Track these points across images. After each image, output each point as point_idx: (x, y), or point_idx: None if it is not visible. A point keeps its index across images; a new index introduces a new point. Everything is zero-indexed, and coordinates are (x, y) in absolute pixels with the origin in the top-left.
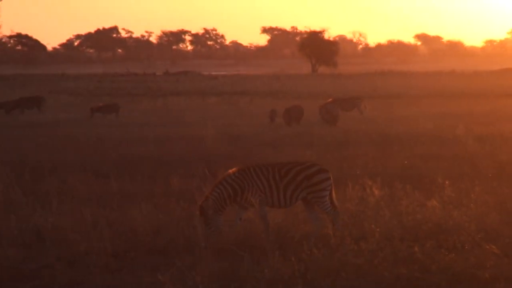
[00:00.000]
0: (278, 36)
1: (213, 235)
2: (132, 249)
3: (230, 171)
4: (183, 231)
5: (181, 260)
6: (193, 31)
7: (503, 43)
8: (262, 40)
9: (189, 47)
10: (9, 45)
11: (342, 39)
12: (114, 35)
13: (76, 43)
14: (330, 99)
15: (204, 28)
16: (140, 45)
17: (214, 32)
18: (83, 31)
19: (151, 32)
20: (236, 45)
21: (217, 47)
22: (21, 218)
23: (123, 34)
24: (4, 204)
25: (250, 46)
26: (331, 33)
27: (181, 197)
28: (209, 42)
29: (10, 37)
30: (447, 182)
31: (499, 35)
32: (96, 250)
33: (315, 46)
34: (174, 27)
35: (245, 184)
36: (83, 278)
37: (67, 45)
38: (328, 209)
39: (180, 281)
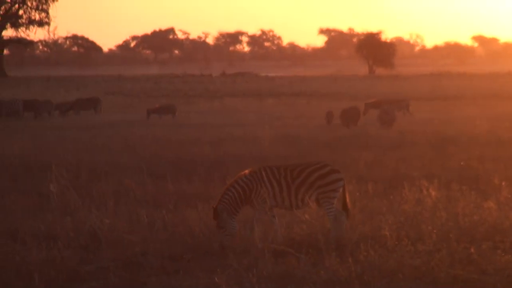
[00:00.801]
0: (335, 37)
1: (227, 238)
2: (189, 250)
3: (242, 173)
4: (240, 233)
5: (238, 262)
6: (250, 33)
7: None
8: (319, 41)
9: (246, 49)
10: (65, 46)
11: (399, 40)
12: (171, 37)
13: (132, 45)
14: (373, 100)
15: (261, 30)
16: (197, 46)
17: (271, 33)
18: (139, 33)
19: (208, 33)
20: (293, 46)
21: (274, 48)
22: (77, 220)
23: (180, 35)
24: (60, 206)
25: (307, 48)
26: (388, 35)
27: None
28: (266, 44)
29: (66, 38)
30: (503, 184)
31: None
32: (152, 251)
33: (372, 48)
34: (231, 28)
35: (257, 185)
36: (139, 280)
37: (124, 47)
38: (332, 212)
39: (236, 283)
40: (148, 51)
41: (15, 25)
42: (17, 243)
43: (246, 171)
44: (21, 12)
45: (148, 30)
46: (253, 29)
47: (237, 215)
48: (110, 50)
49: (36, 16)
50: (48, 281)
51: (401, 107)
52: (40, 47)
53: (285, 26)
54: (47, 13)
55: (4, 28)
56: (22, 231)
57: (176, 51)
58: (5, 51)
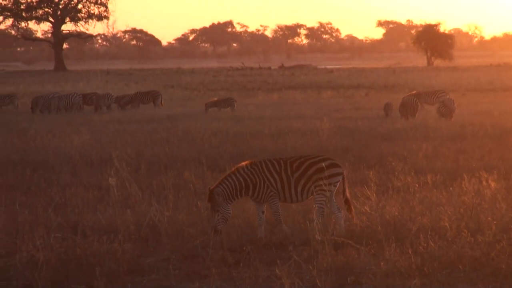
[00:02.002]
0: (393, 29)
1: (219, 222)
2: (249, 242)
3: (242, 163)
4: (300, 225)
5: (298, 254)
6: (308, 25)
7: None
8: (378, 33)
9: (304, 41)
10: (124, 40)
11: (458, 32)
12: (229, 30)
13: (191, 38)
14: (414, 92)
15: (319, 22)
16: (255, 39)
17: (329, 26)
18: (198, 26)
19: (266, 26)
20: (351, 38)
21: (332, 40)
22: (137, 213)
23: (238, 28)
24: (121, 199)
25: (365, 40)
26: (446, 26)
27: None
28: (324, 36)
29: (125, 32)
30: None
31: None
32: (212, 244)
33: (430, 39)
34: (289, 21)
35: (257, 178)
36: (199, 272)
37: (182, 40)
38: (322, 206)
39: (297, 274)
40: (206, 44)
41: (75, 19)
42: (78, 236)
43: (246, 162)
44: (80, 6)
45: (207, 23)
46: (311, 22)
47: (231, 203)
48: (169, 43)
49: (95, 10)
50: (109, 273)
51: (439, 98)
52: (99, 41)
53: (343, 19)
54: (106, 7)
55: (63, 22)
56: (82, 224)
57: (235, 44)
58: (65, 45)
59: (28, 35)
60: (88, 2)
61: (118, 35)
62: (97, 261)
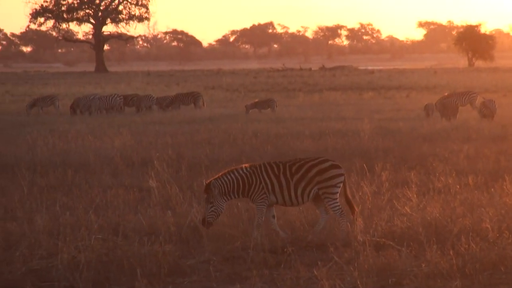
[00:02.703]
0: (434, 30)
1: (211, 215)
2: (289, 244)
3: (242, 165)
4: (340, 226)
5: (339, 255)
6: (349, 26)
7: None
8: (418, 34)
9: (345, 42)
10: (165, 41)
11: (499, 32)
12: (270, 31)
13: (232, 39)
14: (446, 93)
15: (360, 23)
16: (296, 40)
17: (370, 26)
18: (239, 27)
19: (307, 27)
20: (392, 39)
21: (373, 41)
22: (178, 214)
23: (279, 29)
24: (161, 200)
25: (406, 41)
26: (487, 27)
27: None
28: (365, 37)
29: (166, 33)
30: None
31: None
32: (253, 245)
33: (471, 40)
34: (330, 22)
35: (256, 180)
36: (240, 274)
37: (223, 41)
38: (337, 208)
39: (337, 276)
40: (247, 46)
41: (115, 21)
42: (119, 237)
43: (246, 165)
44: (121, 7)
45: (247, 25)
46: (352, 23)
47: (227, 199)
48: (210, 44)
49: (136, 11)
50: (150, 275)
51: (471, 99)
52: (140, 42)
53: (384, 20)
54: (147, 8)
55: (104, 23)
56: (123, 226)
57: (275, 45)
58: (106, 47)
59: (69, 37)
60: (129, 4)
61: (159, 36)
62: (138, 262)
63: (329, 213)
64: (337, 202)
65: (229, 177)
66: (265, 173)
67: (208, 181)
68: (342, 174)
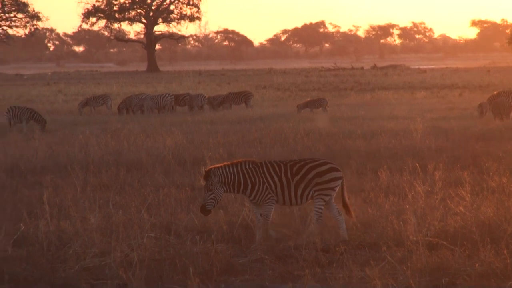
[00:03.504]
0: (487, 29)
1: (210, 202)
2: (342, 243)
3: (242, 159)
4: (393, 225)
5: (391, 255)
6: (401, 25)
7: None
8: (471, 33)
9: (397, 41)
10: (216, 40)
11: None
12: (321, 30)
13: (283, 38)
14: (496, 92)
15: (413, 22)
16: (347, 39)
17: (422, 25)
18: (290, 26)
19: (358, 26)
20: (444, 38)
21: (426, 40)
22: (230, 213)
23: (330, 28)
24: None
25: (459, 40)
26: None
27: (390, 192)
28: (417, 36)
29: (217, 33)
30: None
31: None
32: (305, 244)
33: None
34: (381, 21)
35: (256, 178)
36: (292, 273)
37: (274, 40)
38: (320, 212)
39: (390, 275)
40: (298, 45)
41: (167, 20)
42: (171, 236)
43: (247, 159)
44: (172, 7)
45: (299, 24)
46: (404, 22)
47: (225, 191)
48: (261, 44)
49: (187, 11)
50: (202, 273)
51: None
52: (192, 41)
53: (436, 18)
54: (198, 8)
55: (156, 23)
56: (176, 224)
57: (327, 45)
58: (157, 46)
59: (121, 36)
60: (180, 3)
61: (210, 36)
62: (190, 261)
63: (341, 213)
64: (322, 208)
65: (231, 169)
66: (267, 172)
67: (208, 168)
68: (340, 178)
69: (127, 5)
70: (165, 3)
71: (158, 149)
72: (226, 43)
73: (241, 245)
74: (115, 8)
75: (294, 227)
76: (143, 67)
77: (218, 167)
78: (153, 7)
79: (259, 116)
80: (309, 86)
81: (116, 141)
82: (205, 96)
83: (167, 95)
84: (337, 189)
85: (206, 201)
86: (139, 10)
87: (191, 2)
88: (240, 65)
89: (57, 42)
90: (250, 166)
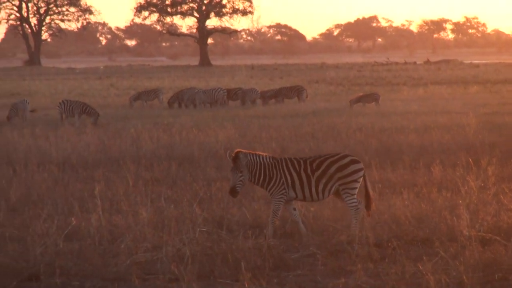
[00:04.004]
0: None
1: (239, 184)
2: (395, 238)
3: (263, 153)
4: (446, 221)
5: (444, 250)
6: (454, 20)
7: None
8: None
9: (450, 36)
10: (268, 35)
11: None
12: (374, 24)
13: (335, 33)
14: None
15: (465, 17)
16: (400, 34)
17: (475, 20)
18: (342, 21)
19: (411, 21)
20: (498, 33)
21: (479, 35)
22: (282, 208)
23: (383, 23)
24: (266, 194)
25: None
26: None
27: (443, 187)
28: (470, 31)
29: (270, 27)
30: None
31: None
32: (358, 239)
33: None
34: (434, 15)
35: (276, 174)
36: (345, 268)
37: (327, 35)
38: (354, 204)
39: (443, 271)
40: (351, 39)
41: (219, 15)
42: (223, 230)
43: (267, 154)
44: (225, 1)
45: (351, 18)
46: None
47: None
48: (314, 38)
49: (239, 5)
50: (255, 268)
51: None
52: (244, 36)
53: (489, 13)
54: (251, 2)
55: (208, 17)
56: (228, 219)
57: (379, 39)
58: (210, 40)
59: (173, 30)
60: None
61: (263, 30)
62: (242, 256)
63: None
64: (355, 198)
65: (255, 158)
66: (286, 168)
67: (237, 150)
68: (361, 169)
69: None
70: None
71: (210, 144)
72: (278, 37)
73: (293, 240)
74: (167, 2)
75: (347, 222)
76: (195, 61)
77: (245, 153)
78: (205, 1)
79: (311, 110)
80: (361, 81)
81: (168, 135)
82: (258, 91)
83: (219, 89)
84: (361, 180)
85: (236, 183)
86: (191, 4)
87: None
88: (293, 59)
89: (109, 36)
90: (271, 160)
